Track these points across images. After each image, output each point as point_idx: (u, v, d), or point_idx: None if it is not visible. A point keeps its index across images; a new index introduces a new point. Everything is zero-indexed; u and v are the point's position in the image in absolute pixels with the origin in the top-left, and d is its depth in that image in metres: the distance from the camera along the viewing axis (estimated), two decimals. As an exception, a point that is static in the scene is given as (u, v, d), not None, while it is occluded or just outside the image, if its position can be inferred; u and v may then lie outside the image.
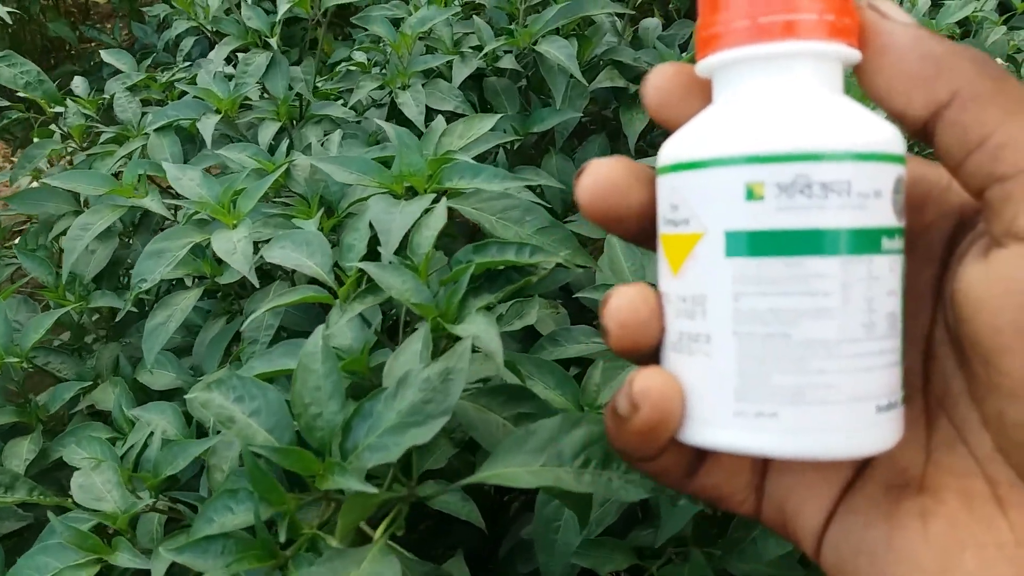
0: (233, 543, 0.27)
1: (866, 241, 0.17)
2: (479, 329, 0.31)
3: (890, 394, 0.18)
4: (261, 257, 0.43)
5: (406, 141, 0.50)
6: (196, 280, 0.59)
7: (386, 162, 0.52)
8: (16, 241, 0.89)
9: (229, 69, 0.89)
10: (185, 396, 0.33)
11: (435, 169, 0.49)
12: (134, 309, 0.61)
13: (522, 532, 0.49)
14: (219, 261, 0.54)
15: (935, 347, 0.19)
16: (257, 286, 0.47)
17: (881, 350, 0.17)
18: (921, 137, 0.18)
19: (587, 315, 0.60)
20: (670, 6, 1.13)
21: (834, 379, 0.17)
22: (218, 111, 0.72)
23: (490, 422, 0.32)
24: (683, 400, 0.19)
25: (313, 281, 0.42)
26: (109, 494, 0.36)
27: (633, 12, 0.89)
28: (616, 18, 0.90)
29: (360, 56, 0.90)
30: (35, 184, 1.10)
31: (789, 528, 0.20)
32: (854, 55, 0.18)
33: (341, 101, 0.79)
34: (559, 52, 0.74)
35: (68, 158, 0.91)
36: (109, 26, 1.74)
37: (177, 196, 0.54)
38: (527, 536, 0.49)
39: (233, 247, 0.46)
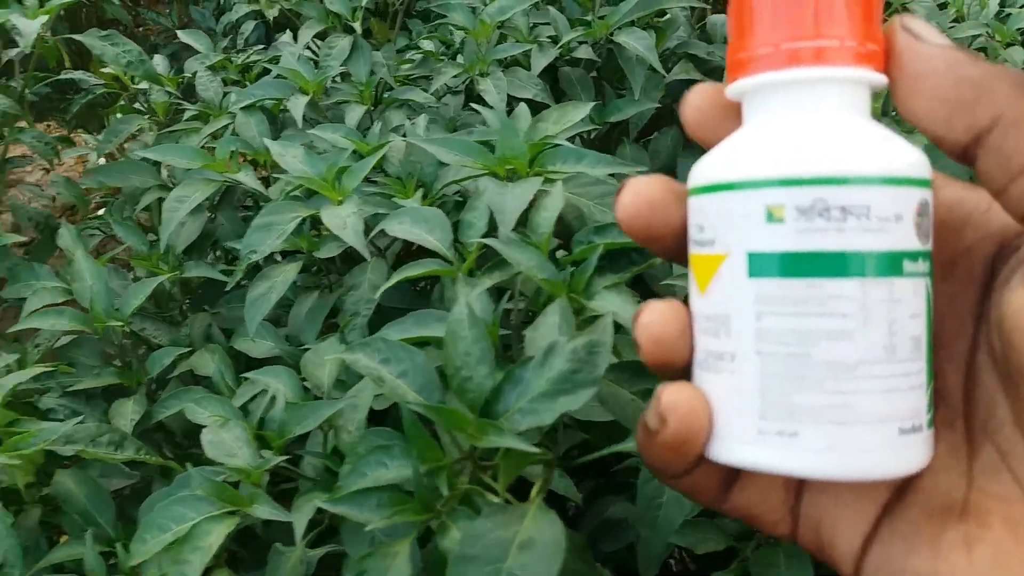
0: (388, 496, 0.29)
1: (887, 264, 0.17)
2: (616, 305, 0.32)
3: (914, 417, 0.18)
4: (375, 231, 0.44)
5: (507, 126, 0.51)
6: (284, 255, 0.61)
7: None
8: (101, 212, 0.92)
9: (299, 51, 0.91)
10: (330, 357, 0.35)
11: (534, 153, 0.50)
12: (225, 279, 0.63)
13: (608, 511, 0.50)
14: (317, 236, 0.56)
15: (978, 371, 0.19)
16: (368, 259, 0.49)
17: (904, 372, 0.17)
18: (961, 160, 0.17)
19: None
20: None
21: (854, 400, 0.17)
22: (304, 92, 0.74)
23: (620, 397, 0.33)
24: (710, 416, 0.19)
25: (425, 255, 0.43)
26: (240, 451, 0.38)
27: (708, 6, 0.90)
28: (689, 12, 0.90)
29: (428, 44, 0.92)
30: (102, 161, 1.14)
31: (826, 551, 0.20)
32: (880, 80, 0.18)
33: (421, 87, 0.81)
34: (638, 43, 0.75)
35: (145, 134, 0.93)
36: (168, 11, 1.77)
37: (279, 172, 0.56)
38: (613, 516, 0.50)
39: (343, 222, 0.48)
